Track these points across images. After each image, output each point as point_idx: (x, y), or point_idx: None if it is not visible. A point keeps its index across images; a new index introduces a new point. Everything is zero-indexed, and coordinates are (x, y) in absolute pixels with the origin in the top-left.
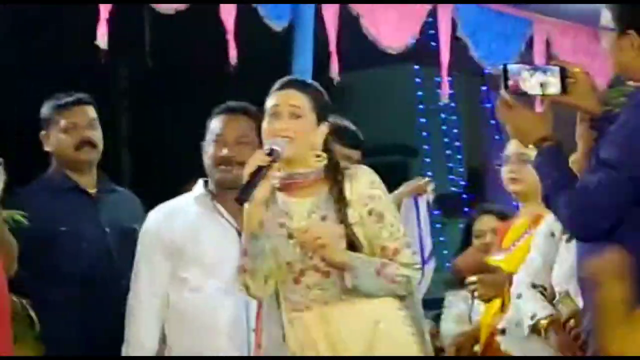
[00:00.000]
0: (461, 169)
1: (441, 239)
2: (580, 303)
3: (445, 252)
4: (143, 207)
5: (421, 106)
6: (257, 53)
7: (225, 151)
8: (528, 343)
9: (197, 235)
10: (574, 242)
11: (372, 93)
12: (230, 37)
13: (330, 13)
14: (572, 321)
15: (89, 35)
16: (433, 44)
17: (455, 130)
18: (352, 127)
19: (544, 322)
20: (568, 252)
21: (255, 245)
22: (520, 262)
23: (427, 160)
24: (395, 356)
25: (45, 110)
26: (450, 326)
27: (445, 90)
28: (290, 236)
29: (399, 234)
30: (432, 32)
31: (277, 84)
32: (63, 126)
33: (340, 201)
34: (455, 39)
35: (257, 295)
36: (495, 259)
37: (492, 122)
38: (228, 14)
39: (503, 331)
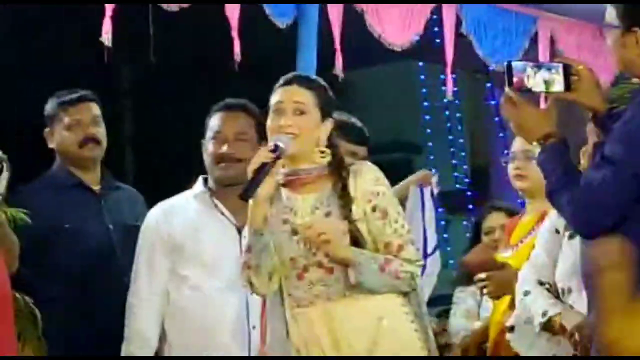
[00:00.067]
0: (465, 166)
1: (445, 235)
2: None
3: (449, 249)
4: (146, 205)
5: (425, 103)
6: (262, 50)
7: (224, 148)
8: (537, 340)
9: (197, 232)
10: (576, 239)
11: (376, 90)
12: (235, 34)
13: (335, 10)
14: (576, 335)
15: (92, 33)
16: (437, 41)
17: (460, 128)
18: (358, 123)
19: (556, 319)
20: (571, 249)
21: (260, 241)
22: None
23: (431, 157)
24: (398, 356)
25: (49, 107)
26: (460, 322)
27: (449, 88)
28: (294, 232)
29: (402, 231)
30: (437, 29)
31: (281, 80)
32: (67, 123)
33: (344, 197)
34: (459, 36)
35: (261, 291)
36: (504, 255)
37: (496, 119)
38: (232, 11)
39: (512, 328)
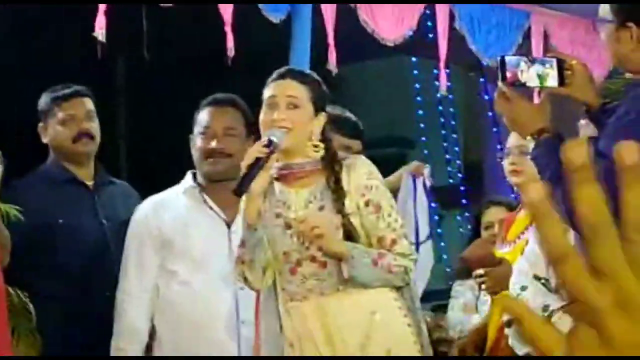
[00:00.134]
0: (459, 161)
1: (438, 230)
2: None
3: (442, 244)
4: (140, 200)
5: (419, 98)
6: (255, 45)
7: (213, 143)
8: None
9: (186, 228)
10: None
11: (369, 85)
12: (228, 29)
13: (328, 6)
14: None
15: (86, 30)
16: (430, 36)
17: (453, 123)
18: (352, 117)
19: (557, 313)
20: None
21: (253, 236)
22: None
23: (425, 152)
24: (392, 356)
25: (43, 102)
26: (457, 315)
27: (443, 82)
28: (287, 226)
29: (396, 225)
30: (430, 24)
31: (274, 75)
32: (61, 118)
33: (338, 191)
34: (452, 31)
35: (256, 286)
36: (502, 251)
37: (490, 114)
38: (226, 6)
39: (509, 324)
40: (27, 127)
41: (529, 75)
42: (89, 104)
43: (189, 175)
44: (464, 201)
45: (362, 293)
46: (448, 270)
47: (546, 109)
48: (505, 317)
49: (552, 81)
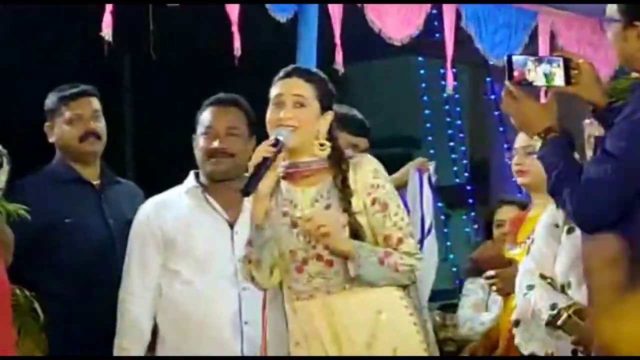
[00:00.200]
0: (465, 161)
1: (445, 230)
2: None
3: (448, 243)
4: (145, 199)
5: (425, 98)
6: (262, 45)
7: (215, 143)
8: (537, 332)
9: (189, 228)
10: (575, 233)
11: (376, 85)
12: (235, 28)
13: (335, 5)
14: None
15: (92, 33)
16: (437, 35)
17: (459, 122)
18: (359, 115)
19: (565, 312)
20: (569, 243)
21: (261, 236)
22: None
23: (431, 151)
24: (399, 356)
25: (50, 101)
26: (467, 312)
27: (449, 82)
28: (293, 225)
29: (402, 224)
30: (437, 23)
31: (281, 73)
32: (68, 117)
33: (344, 190)
34: (459, 31)
35: (263, 286)
36: (513, 252)
37: (496, 113)
38: (232, 5)
39: (517, 323)
40: (31, 127)
41: (536, 75)
42: (96, 103)
43: (191, 175)
44: (470, 201)
45: (369, 292)
46: (454, 269)
47: (553, 108)
48: (514, 317)
49: (559, 80)
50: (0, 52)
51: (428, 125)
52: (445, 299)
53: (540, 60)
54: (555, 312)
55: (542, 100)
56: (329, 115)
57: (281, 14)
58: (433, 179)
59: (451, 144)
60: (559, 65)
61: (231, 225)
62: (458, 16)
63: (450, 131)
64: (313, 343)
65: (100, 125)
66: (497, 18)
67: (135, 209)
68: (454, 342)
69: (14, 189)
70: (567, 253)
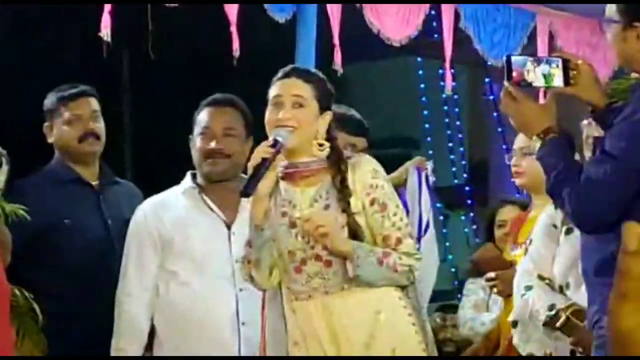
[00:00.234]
0: (463, 162)
1: (444, 231)
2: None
3: (447, 244)
4: (144, 199)
5: (424, 98)
6: (261, 46)
7: (212, 144)
8: (535, 333)
9: (186, 228)
10: (573, 234)
11: (374, 85)
12: (233, 29)
13: (334, 6)
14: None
15: (92, 33)
16: (436, 36)
17: (458, 123)
18: (357, 115)
19: (563, 313)
20: (568, 244)
21: (260, 237)
22: None
23: (430, 152)
24: (397, 356)
25: (49, 101)
26: (467, 312)
27: (448, 82)
28: (292, 225)
29: (401, 224)
30: (435, 24)
31: (279, 73)
32: (67, 118)
33: (343, 190)
34: (458, 31)
35: (262, 286)
36: (514, 254)
37: (495, 114)
38: (231, 6)
39: (515, 323)
40: (30, 127)
41: (534, 75)
42: (95, 104)
43: (188, 176)
44: (469, 201)
45: (367, 292)
46: (453, 270)
47: (552, 109)
48: (512, 317)
49: (557, 81)
50: (0, 52)
51: (427, 125)
52: (444, 299)
53: (539, 61)
54: (553, 313)
55: (541, 100)
56: (328, 116)
57: (280, 15)
58: (431, 179)
59: (450, 144)
60: (557, 66)
61: (228, 226)
62: (457, 17)
63: (449, 132)
64: (311, 343)
65: (99, 126)
66: (495, 18)
67: (134, 209)
68: (453, 343)
69: (13, 189)
70: (566, 254)
